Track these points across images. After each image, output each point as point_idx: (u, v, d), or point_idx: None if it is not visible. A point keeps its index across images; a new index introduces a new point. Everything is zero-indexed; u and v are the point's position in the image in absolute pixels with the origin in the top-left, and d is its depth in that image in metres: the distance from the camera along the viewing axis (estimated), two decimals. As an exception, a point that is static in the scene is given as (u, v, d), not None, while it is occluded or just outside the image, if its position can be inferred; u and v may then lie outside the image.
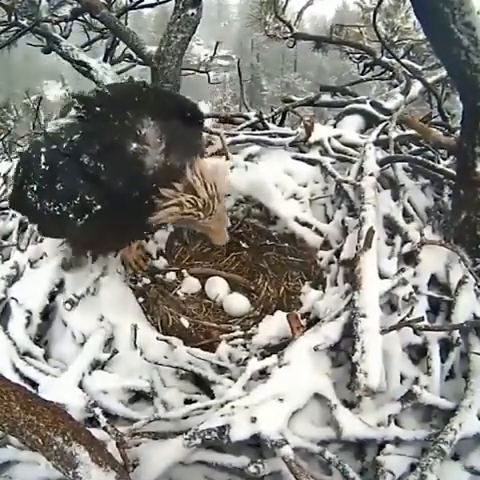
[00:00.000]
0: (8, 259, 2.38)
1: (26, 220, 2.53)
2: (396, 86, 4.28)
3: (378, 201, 2.33)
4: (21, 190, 2.04)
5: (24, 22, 4.74)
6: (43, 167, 1.94)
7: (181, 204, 1.95)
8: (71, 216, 1.91)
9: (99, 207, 1.87)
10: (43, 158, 1.94)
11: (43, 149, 1.96)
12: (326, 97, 4.13)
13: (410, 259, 2.16)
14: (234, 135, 3.14)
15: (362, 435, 1.63)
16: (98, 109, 1.93)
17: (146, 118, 1.89)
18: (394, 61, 4.54)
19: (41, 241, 2.46)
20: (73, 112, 2.04)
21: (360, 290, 1.86)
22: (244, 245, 2.68)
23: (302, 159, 2.92)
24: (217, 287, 2.44)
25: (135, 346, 2.01)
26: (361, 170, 2.56)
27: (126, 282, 2.36)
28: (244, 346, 2.12)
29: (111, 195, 1.86)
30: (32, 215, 2.17)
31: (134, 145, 1.85)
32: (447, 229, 2.21)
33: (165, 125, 1.92)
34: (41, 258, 2.35)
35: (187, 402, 1.83)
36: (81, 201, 1.88)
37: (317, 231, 2.55)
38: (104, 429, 1.53)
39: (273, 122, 3.81)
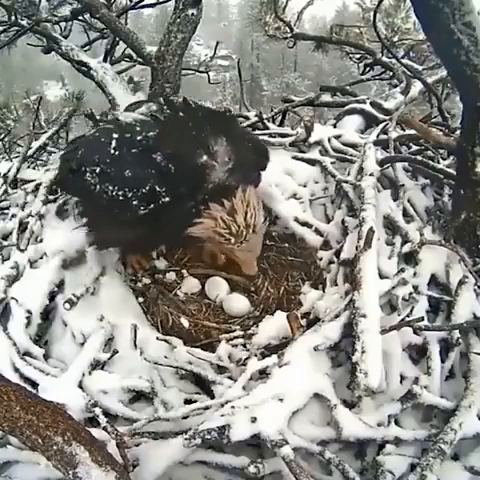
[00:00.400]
0: (8, 259, 2.38)
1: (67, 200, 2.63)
2: (396, 86, 4.28)
3: (378, 201, 2.33)
4: (78, 171, 2.06)
5: (24, 22, 4.74)
6: (113, 152, 1.99)
7: (216, 220, 1.99)
8: (135, 203, 1.95)
9: (167, 199, 1.94)
10: (114, 143, 2.00)
11: (115, 135, 2.02)
12: (326, 97, 4.13)
13: (410, 259, 2.16)
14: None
15: (362, 435, 1.63)
16: (181, 115, 2.06)
17: (221, 138, 2.00)
18: (394, 61, 4.54)
19: (41, 241, 2.46)
20: (143, 109, 2.17)
21: (360, 290, 1.86)
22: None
23: (302, 159, 2.92)
24: (217, 287, 2.44)
25: (135, 346, 2.01)
26: (361, 170, 2.57)
27: (126, 282, 2.37)
28: (244, 346, 2.12)
29: (172, 197, 1.94)
30: (85, 196, 2.19)
31: (204, 157, 1.95)
32: (447, 229, 2.21)
33: (235, 150, 2.01)
34: (41, 258, 2.35)
35: (187, 402, 1.82)
36: (150, 190, 1.93)
37: (317, 231, 2.55)
38: (104, 429, 1.53)
39: (273, 122, 3.81)
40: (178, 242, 2.33)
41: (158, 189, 1.94)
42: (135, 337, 2.02)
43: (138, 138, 1.99)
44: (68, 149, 2.36)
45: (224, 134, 2.01)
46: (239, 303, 2.39)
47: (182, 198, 1.96)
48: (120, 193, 1.96)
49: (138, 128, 2.02)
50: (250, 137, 2.43)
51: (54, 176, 2.68)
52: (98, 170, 2.00)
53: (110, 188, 1.98)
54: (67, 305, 2.06)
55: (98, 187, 2.01)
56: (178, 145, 1.95)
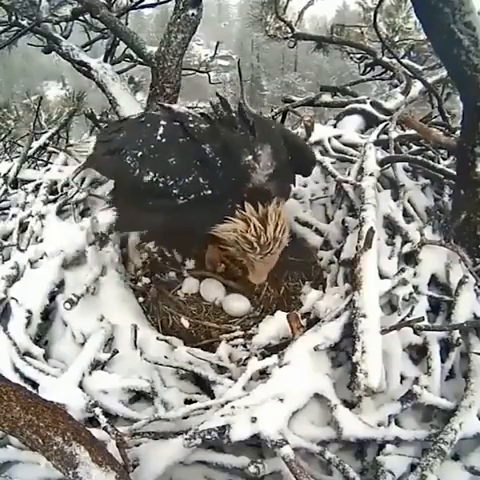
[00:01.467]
0: (8, 259, 2.38)
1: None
2: (396, 86, 4.29)
3: (378, 201, 2.33)
4: (118, 153, 2.06)
5: (24, 22, 4.74)
6: (159, 138, 1.99)
7: (248, 225, 1.97)
8: (175, 192, 1.94)
9: (210, 192, 1.93)
10: (161, 130, 2.00)
11: (163, 122, 2.03)
12: (326, 97, 4.14)
13: (410, 259, 2.16)
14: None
15: (362, 435, 1.63)
16: (234, 115, 2.05)
17: (267, 144, 1.99)
18: (395, 61, 4.54)
19: (41, 241, 2.47)
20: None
21: (360, 290, 1.86)
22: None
23: (302, 159, 2.91)
24: (212, 289, 2.43)
25: (135, 346, 2.01)
26: (361, 170, 2.57)
27: (126, 282, 2.37)
28: (244, 346, 2.12)
29: (212, 190, 1.93)
30: (121, 178, 2.17)
31: (250, 157, 1.95)
32: (447, 229, 2.21)
33: (278, 157, 2.01)
34: (41, 258, 2.35)
35: (187, 402, 1.83)
36: (193, 181, 1.92)
37: (317, 231, 2.56)
38: (104, 429, 1.53)
39: (273, 122, 3.81)
40: (202, 239, 2.31)
41: (202, 181, 1.92)
42: (135, 337, 2.02)
43: (190, 126, 1.99)
44: (108, 130, 2.38)
45: (270, 142, 2.01)
46: (239, 303, 2.39)
47: (221, 193, 1.95)
48: (161, 180, 1.95)
49: (190, 118, 2.03)
50: (298, 142, 2.42)
51: (87, 156, 2.62)
52: (140, 154, 2.00)
53: (151, 174, 1.96)
54: (67, 305, 2.06)
55: (138, 171, 1.99)
56: (227, 141, 1.95)
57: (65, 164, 3.23)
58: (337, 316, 1.89)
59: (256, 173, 1.96)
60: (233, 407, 1.63)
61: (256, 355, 1.99)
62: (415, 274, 2.07)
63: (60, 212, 2.68)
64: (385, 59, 4.81)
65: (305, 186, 2.77)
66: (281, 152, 2.05)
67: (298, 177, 2.78)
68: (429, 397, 1.70)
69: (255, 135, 1.99)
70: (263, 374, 1.83)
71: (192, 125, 2.00)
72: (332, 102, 4.16)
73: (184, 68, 4.22)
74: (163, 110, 2.17)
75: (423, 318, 1.83)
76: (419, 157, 2.66)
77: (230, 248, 2.12)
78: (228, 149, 1.94)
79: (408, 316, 1.90)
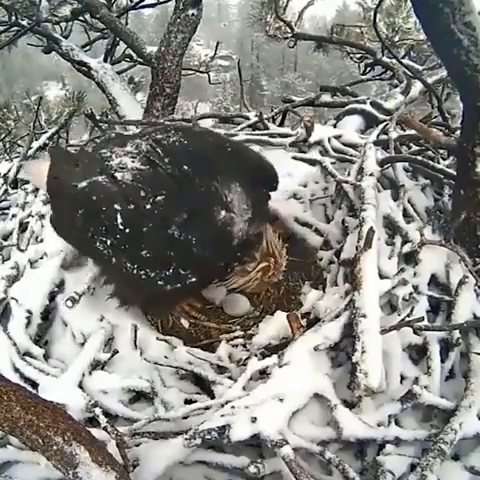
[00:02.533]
0: (8, 259, 2.38)
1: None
2: (396, 86, 4.29)
3: (378, 201, 2.33)
4: (85, 234, 1.89)
5: (24, 22, 4.75)
6: (121, 228, 1.78)
7: (266, 270, 1.99)
8: (160, 282, 1.84)
9: (194, 279, 1.84)
10: (120, 218, 1.78)
11: (117, 207, 1.78)
12: (326, 97, 4.14)
13: (410, 259, 2.16)
14: (234, 135, 3.14)
15: (362, 435, 1.63)
16: (185, 168, 1.83)
17: (234, 183, 1.84)
18: (395, 61, 4.55)
19: (41, 241, 2.46)
20: (131, 149, 1.94)
21: (360, 290, 1.86)
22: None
23: (302, 159, 2.92)
24: (212, 290, 2.43)
25: (135, 346, 2.01)
26: (361, 170, 2.56)
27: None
28: (244, 346, 2.12)
29: (200, 265, 1.84)
30: (100, 261, 2.04)
31: (222, 213, 1.79)
32: (447, 229, 2.20)
33: (249, 191, 1.87)
34: (41, 258, 2.35)
35: (187, 402, 1.82)
36: (174, 272, 1.81)
37: (317, 231, 2.55)
38: (104, 429, 1.53)
39: (273, 122, 3.82)
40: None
41: (182, 272, 1.81)
42: (135, 337, 2.02)
43: (147, 207, 1.77)
44: (58, 200, 2.07)
45: (235, 178, 1.85)
46: (239, 303, 2.39)
47: (211, 262, 1.85)
48: (141, 272, 1.82)
49: (142, 192, 1.79)
50: (254, 158, 2.17)
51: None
52: (109, 242, 1.83)
53: (128, 265, 1.83)
54: (69, 303, 2.05)
55: (114, 260, 1.85)
56: (191, 206, 1.77)
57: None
58: (337, 316, 1.88)
59: (236, 224, 1.83)
60: (233, 407, 1.63)
61: (256, 355, 1.99)
62: (415, 274, 2.07)
63: (60, 212, 2.68)
64: (385, 59, 4.82)
65: (305, 186, 2.77)
66: (249, 176, 1.91)
67: (298, 177, 2.81)
68: (429, 397, 1.69)
69: (218, 179, 1.81)
70: (263, 374, 1.83)
71: (149, 206, 1.77)
72: (332, 102, 4.16)
73: (184, 68, 4.23)
74: (109, 179, 1.88)
75: (423, 318, 1.83)
76: (419, 157, 2.65)
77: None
78: (197, 219, 1.77)
79: (408, 316, 1.90)
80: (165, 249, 1.80)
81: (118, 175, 1.86)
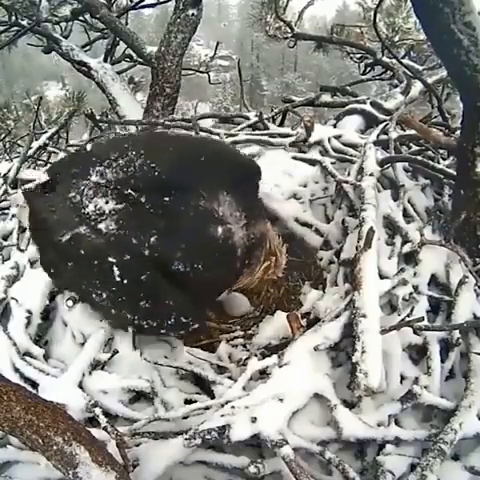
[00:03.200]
0: (8, 259, 2.38)
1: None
2: (396, 86, 4.29)
3: (378, 201, 2.33)
4: (79, 286, 1.86)
5: (24, 22, 4.76)
6: (118, 280, 1.70)
7: (267, 268, 1.98)
8: (163, 332, 1.87)
9: (197, 325, 1.83)
10: (117, 270, 1.69)
11: (112, 259, 1.69)
12: (326, 97, 4.14)
13: (410, 259, 2.16)
14: (234, 135, 3.14)
15: (362, 435, 1.63)
16: (166, 199, 1.72)
17: (220, 193, 1.77)
18: (395, 61, 4.55)
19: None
20: (97, 179, 1.78)
21: (360, 290, 1.86)
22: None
23: (302, 159, 2.92)
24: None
25: (134, 347, 2.01)
26: (361, 170, 2.56)
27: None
28: (244, 346, 2.12)
29: (211, 290, 1.86)
30: (100, 312, 1.98)
31: (219, 229, 1.73)
32: (447, 229, 2.20)
33: (236, 194, 1.81)
34: (41, 258, 2.35)
35: (187, 402, 1.82)
36: (176, 321, 1.79)
37: (317, 231, 2.55)
38: (104, 429, 1.53)
39: (273, 122, 3.82)
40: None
41: (184, 320, 1.79)
42: (134, 338, 2.02)
43: (145, 254, 1.69)
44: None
45: (219, 186, 1.77)
46: (239, 303, 2.38)
47: (219, 279, 1.83)
48: (144, 322, 1.80)
49: (133, 240, 1.69)
50: (230, 157, 2.02)
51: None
52: (105, 295, 1.78)
53: (128, 316, 1.80)
54: (70, 302, 2.05)
55: (113, 311, 1.84)
56: (186, 235, 1.70)
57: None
58: (337, 316, 1.88)
59: (235, 234, 1.78)
60: (233, 407, 1.63)
61: (256, 355, 2.00)
62: (415, 274, 2.07)
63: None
64: (385, 59, 4.82)
65: (305, 186, 2.77)
66: (233, 177, 1.84)
67: (298, 177, 2.81)
68: (429, 397, 1.69)
69: (203, 194, 1.73)
70: (263, 374, 1.83)
71: (147, 252, 1.68)
72: (332, 102, 4.16)
73: (184, 68, 4.23)
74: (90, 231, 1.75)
75: (423, 318, 1.83)
76: (419, 157, 2.66)
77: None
78: (195, 244, 1.70)
79: (408, 316, 1.90)
80: (165, 298, 1.75)
81: (101, 226, 1.74)
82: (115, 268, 1.70)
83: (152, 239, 1.69)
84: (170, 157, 1.82)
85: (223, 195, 1.78)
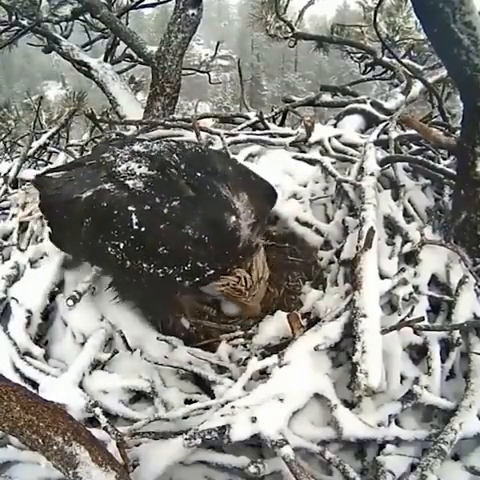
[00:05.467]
0: (8, 259, 2.38)
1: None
2: (397, 86, 4.29)
3: (378, 201, 2.33)
4: (94, 243, 1.91)
5: (24, 22, 4.75)
6: (136, 227, 1.81)
7: (239, 278, 2.01)
8: (178, 279, 1.87)
9: (212, 272, 1.89)
10: (135, 218, 1.81)
11: (132, 208, 1.82)
12: (326, 97, 4.14)
13: (410, 259, 2.16)
14: (234, 135, 3.14)
15: (362, 435, 1.63)
16: (198, 174, 1.92)
17: (242, 194, 1.94)
18: (395, 61, 4.55)
19: (41, 241, 2.46)
20: (139, 148, 2.00)
21: (360, 290, 1.86)
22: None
23: (302, 159, 2.92)
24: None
25: (130, 350, 2.02)
26: (361, 170, 2.56)
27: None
28: (244, 346, 2.12)
29: (212, 265, 1.88)
30: (111, 269, 2.04)
31: (232, 219, 1.87)
32: (447, 229, 2.20)
33: (252, 202, 1.96)
34: (41, 258, 2.35)
35: (187, 402, 1.83)
36: (192, 267, 1.85)
37: (317, 231, 2.55)
38: (104, 429, 1.53)
39: (273, 122, 3.82)
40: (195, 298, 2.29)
41: (201, 265, 1.85)
42: (126, 342, 2.03)
43: (163, 211, 1.82)
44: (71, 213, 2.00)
45: (241, 188, 1.95)
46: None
47: (218, 264, 1.91)
48: (159, 271, 1.85)
49: (157, 199, 1.84)
50: (257, 176, 2.24)
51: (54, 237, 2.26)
52: (122, 246, 1.84)
53: (145, 265, 1.84)
54: (70, 302, 2.05)
55: (128, 263, 1.87)
56: (205, 211, 1.84)
57: (65, 164, 3.24)
58: (337, 316, 1.88)
59: (242, 229, 1.90)
60: (233, 407, 1.63)
61: (256, 355, 1.99)
62: (415, 274, 2.07)
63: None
64: (385, 59, 4.82)
65: (305, 186, 2.77)
66: (250, 188, 2.00)
67: (298, 177, 2.81)
68: (429, 397, 1.70)
69: (228, 186, 1.92)
70: (263, 374, 1.83)
71: (166, 210, 1.82)
72: (332, 102, 4.15)
73: (184, 68, 4.23)
74: (117, 187, 1.91)
75: (423, 318, 1.83)
76: (419, 157, 2.65)
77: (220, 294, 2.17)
78: (211, 223, 1.84)
79: (408, 316, 1.90)
80: (183, 244, 1.83)
81: (128, 183, 1.89)
82: (134, 216, 1.81)
83: (174, 202, 1.84)
84: (213, 155, 2.16)
85: (243, 196, 1.95)
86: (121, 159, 1.99)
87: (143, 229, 1.82)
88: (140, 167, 1.93)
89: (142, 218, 1.82)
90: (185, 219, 1.83)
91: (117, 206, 1.85)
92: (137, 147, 2.04)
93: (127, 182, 1.89)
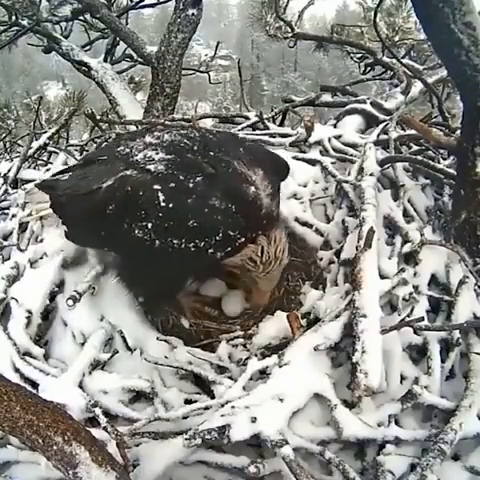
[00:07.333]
0: (8, 259, 2.38)
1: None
2: (397, 86, 4.28)
3: (378, 201, 2.33)
4: (119, 228, 1.93)
5: (24, 22, 4.75)
6: (164, 205, 1.86)
7: (257, 248, 2.03)
8: (211, 251, 1.90)
9: (243, 239, 1.94)
10: (162, 196, 1.86)
11: (157, 186, 1.88)
12: (326, 97, 4.13)
13: (410, 259, 2.16)
14: (234, 135, 3.13)
15: (362, 435, 1.63)
16: (212, 154, 1.99)
17: (257, 168, 2.01)
18: (395, 61, 4.54)
19: (41, 241, 2.46)
20: (151, 140, 2.05)
21: (360, 290, 1.86)
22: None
23: (302, 159, 2.92)
24: (214, 287, 2.42)
25: (129, 349, 2.01)
26: (361, 170, 2.56)
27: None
28: (244, 346, 2.12)
29: (242, 233, 1.94)
30: (138, 254, 2.00)
31: (252, 189, 1.95)
32: (447, 229, 2.21)
33: (267, 176, 2.03)
34: (41, 258, 2.35)
35: (187, 402, 1.83)
36: (224, 236, 1.89)
37: (317, 231, 2.55)
38: (104, 429, 1.53)
39: (273, 122, 3.82)
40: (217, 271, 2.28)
41: (232, 233, 1.90)
42: (126, 342, 2.03)
43: (189, 186, 1.88)
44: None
45: (256, 164, 2.02)
46: (233, 303, 2.37)
47: (245, 231, 1.95)
48: (191, 245, 1.88)
49: (181, 177, 1.90)
50: (268, 151, 2.40)
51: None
52: (150, 225, 1.88)
53: (175, 241, 1.88)
54: (70, 302, 2.04)
55: (157, 242, 1.89)
56: (227, 183, 1.92)
57: (65, 164, 3.23)
58: (337, 316, 1.88)
59: (262, 199, 1.97)
60: (233, 407, 1.63)
61: (256, 355, 1.99)
62: (415, 274, 2.07)
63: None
64: (385, 59, 4.81)
65: (305, 186, 2.77)
66: (261, 165, 2.05)
67: (298, 177, 2.81)
68: (429, 397, 1.70)
69: (244, 163, 1.98)
70: (263, 374, 1.83)
71: (190, 184, 1.89)
72: (332, 102, 4.15)
73: (184, 68, 4.23)
74: (140, 172, 1.95)
75: (423, 318, 1.83)
76: (419, 157, 2.65)
77: (234, 269, 2.15)
78: (233, 193, 1.92)
79: (408, 316, 1.90)
80: (212, 214, 1.87)
81: (150, 167, 1.94)
82: (160, 194, 1.87)
83: (198, 178, 1.91)
84: (223, 136, 2.30)
85: (258, 170, 2.01)
86: (136, 149, 2.03)
87: (171, 205, 1.86)
88: (157, 154, 1.98)
89: (169, 195, 1.87)
90: (210, 191, 1.89)
91: (142, 188, 1.90)
92: (149, 138, 2.08)
93: (148, 167, 1.94)
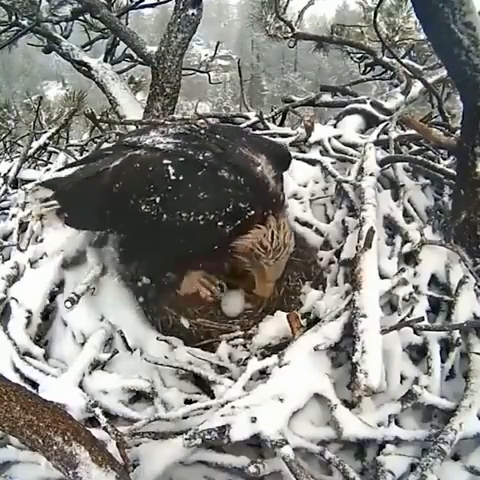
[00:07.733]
0: (8, 259, 2.38)
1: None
2: (397, 86, 4.28)
3: (378, 201, 2.33)
4: (125, 205, 1.92)
5: (24, 22, 4.76)
6: (173, 178, 1.87)
7: (267, 232, 2.02)
8: (220, 224, 1.89)
9: (253, 212, 1.94)
10: (172, 169, 1.88)
11: (167, 161, 1.90)
12: (326, 97, 4.14)
13: (410, 259, 2.16)
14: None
15: (362, 435, 1.63)
16: (219, 137, 2.03)
17: (261, 154, 2.03)
18: (395, 61, 4.54)
19: (41, 241, 2.46)
20: (158, 133, 2.06)
21: (360, 290, 1.85)
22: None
23: (302, 159, 2.92)
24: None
25: (129, 349, 2.01)
26: (361, 170, 2.57)
27: (126, 282, 2.36)
28: (244, 346, 2.12)
29: (253, 207, 1.94)
30: (142, 229, 1.98)
31: (258, 168, 1.97)
32: (447, 229, 2.21)
33: (271, 162, 2.06)
34: (41, 258, 2.35)
35: (187, 402, 1.83)
36: (234, 208, 1.89)
37: (317, 231, 2.55)
38: (104, 429, 1.53)
39: (273, 122, 3.82)
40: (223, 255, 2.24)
41: (242, 205, 1.91)
42: (126, 342, 2.03)
43: (199, 159, 1.91)
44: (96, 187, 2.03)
45: (260, 150, 2.05)
46: (235, 300, 2.37)
47: (257, 208, 1.96)
48: (200, 218, 1.87)
49: (190, 152, 1.93)
50: (271, 141, 2.48)
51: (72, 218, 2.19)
52: (158, 199, 1.88)
53: (184, 215, 1.87)
54: (68, 303, 2.04)
55: (164, 216, 1.89)
56: (234, 161, 1.94)
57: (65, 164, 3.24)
58: (337, 316, 1.88)
59: (268, 179, 1.98)
60: (233, 407, 1.63)
61: (256, 355, 1.99)
62: (415, 274, 2.07)
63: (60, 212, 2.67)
64: (385, 59, 4.81)
65: (305, 186, 2.77)
66: (265, 152, 2.07)
67: (298, 177, 2.81)
68: (429, 397, 1.70)
69: (248, 148, 2.01)
70: (263, 374, 1.83)
71: (200, 157, 1.91)
72: (332, 102, 4.15)
73: (184, 68, 4.23)
74: (147, 150, 2.00)
75: (423, 318, 1.83)
76: (419, 157, 2.66)
77: (242, 257, 2.12)
78: (242, 168, 1.94)
79: (408, 316, 1.90)
80: (222, 186, 1.88)
81: (159, 146, 1.96)
82: (170, 167, 1.89)
83: (207, 153, 1.93)
84: (226, 128, 2.41)
85: (262, 156, 2.03)
86: (144, 138, 2.06)
87: (181, 177, 1.88)
88: (165, 139, 2.01)
89: (179, 168, 1.88)
90: (220, 165, 1.91)
91: (151, 163, 1.93)
92: (154, 133, 2.10)
93: (157, 146, 1.97)
